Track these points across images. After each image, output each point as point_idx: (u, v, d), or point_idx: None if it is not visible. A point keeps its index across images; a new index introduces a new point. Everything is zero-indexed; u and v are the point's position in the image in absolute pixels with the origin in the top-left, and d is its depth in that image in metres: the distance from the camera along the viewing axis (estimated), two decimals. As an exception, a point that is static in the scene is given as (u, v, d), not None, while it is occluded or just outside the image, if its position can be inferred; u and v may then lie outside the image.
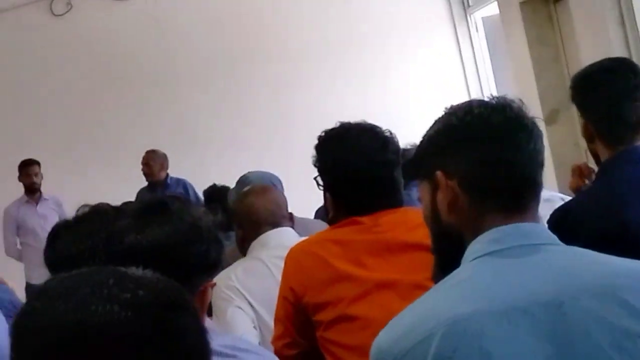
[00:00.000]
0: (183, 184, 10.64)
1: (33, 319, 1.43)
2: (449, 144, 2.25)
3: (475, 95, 11.90)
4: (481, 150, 2.20)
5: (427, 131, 2.33)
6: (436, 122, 2.32)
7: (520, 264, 2.11)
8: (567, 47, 10.02)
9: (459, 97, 11.69)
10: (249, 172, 6.45)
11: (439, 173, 2.22)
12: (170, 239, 2.17)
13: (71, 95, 11.86)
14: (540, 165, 2.22)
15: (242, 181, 5.67)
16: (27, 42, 11.81)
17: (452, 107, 2.31)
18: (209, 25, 12.01)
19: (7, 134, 11.60)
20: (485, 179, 2.19)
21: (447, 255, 2.26)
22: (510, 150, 2.17)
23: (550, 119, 9.75)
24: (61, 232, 3.50)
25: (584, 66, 3.69)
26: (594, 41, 8.84)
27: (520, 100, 2.28)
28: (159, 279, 1.50)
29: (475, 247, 2.16)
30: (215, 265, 2.35)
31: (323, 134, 3.54)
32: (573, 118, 9.58)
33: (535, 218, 2.22)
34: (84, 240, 2.27)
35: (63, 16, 11.97)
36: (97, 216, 2.28)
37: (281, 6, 12.10)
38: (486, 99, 2.33)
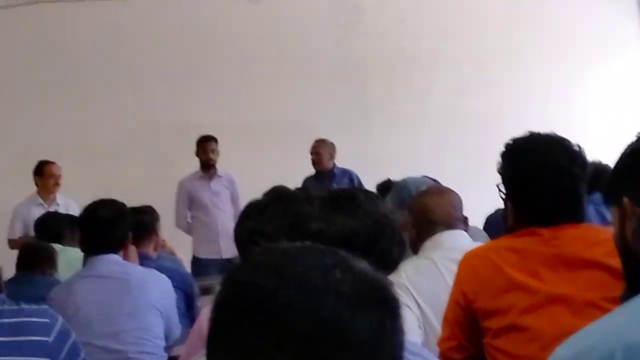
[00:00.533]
0: (349, 175, 10.62)
1: (262, 296, 1.42)
2: (637, 171, 2.23)
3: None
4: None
5: (619, 155, 2.30)
6: (628, 146, 2.29)
7: None
8: None
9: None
10: (407, 177, 6.47)
11: (626, 200, 2.20)
12: (355, 232, 2.15)
13: (258, 78, 12.02)
14: None
15: (402, 186, 5.63)
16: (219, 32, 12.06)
17: None
18: (391, 27, 12.04)
19: (190, 114, 11.81)
20: None
21: (636, 281, 2.23)
22: None
23: None
24: (252, 212, 3.58)
25: None
26: None
27: None
28: (373, 276, 1.47)
29: None
30: (396, 264, 2.35)
31: (511, 142, 3.51)
32: None
33: None
34: (273, 221, 2.28)
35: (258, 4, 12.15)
36: (287, 199, 2.28)
37: (466, 10, 12.04)
38: None
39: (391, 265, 2.32)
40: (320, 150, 10.77)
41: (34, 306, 3.81)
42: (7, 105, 11.82)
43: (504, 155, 3.51)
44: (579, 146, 3.49)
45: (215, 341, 1.47)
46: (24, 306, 3.80)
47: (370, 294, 1.43)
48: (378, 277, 1.47)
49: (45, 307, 3.86)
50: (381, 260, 2.14)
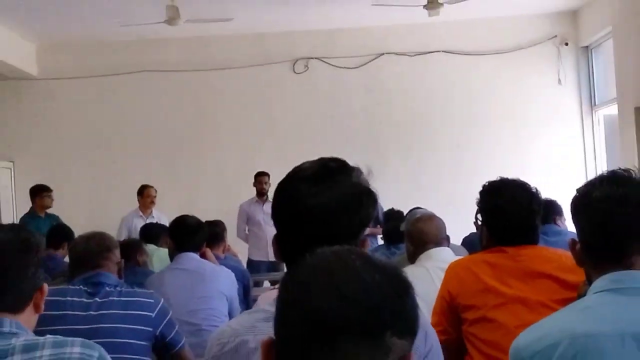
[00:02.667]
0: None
1: (308, 291, 1.40)
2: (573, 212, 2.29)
3: (591, 174, 11.69)
4: (589, 220, 2.22)
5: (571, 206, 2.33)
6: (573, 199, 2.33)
7: (632, 301, 2.08)
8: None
9: (578, 174, 11.64)
10: (416, 207, 6.45)
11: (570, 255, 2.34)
12: (338, 204, 1.98)
13: (302, 132, 12.03)
14: None
15: (412, 213, 5.91)
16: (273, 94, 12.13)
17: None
18: (404, 94, 12.08)
19: (252, 155, 11.81)
20: (595, 244, 2.20)
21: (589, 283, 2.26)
22: (619, 217, 2.15)
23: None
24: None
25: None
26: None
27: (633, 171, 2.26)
28: (388, 265, 1.44)
29: (598, 284, 2.15)
30: (375, 217, 2.16)
31: (487, 184, 3.54)
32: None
33: None
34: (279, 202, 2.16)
35: (301, 74, 12.17)
36: (287, 183, 2.15)
37: (459, 88, 12.04)
38: (601, 176, 2.32)
39: (373, 219, 2.13)
40: None
41: (144, 290, 3.82)
42: (121, 151, 11.93)
43: (482, 193, 3.54)
44: (536, 189, 3.52)
45: (279, 324, 1.44)
46: (137, 289, 3.81)
47: (385, 279, 1.40)
48: (392, 267, 1.44)
49: (151, 291, 3.87)
50: (363, 222, 2.05)
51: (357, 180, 2.04)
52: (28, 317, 2.25)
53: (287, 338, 1.41)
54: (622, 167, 2.32)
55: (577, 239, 2.29)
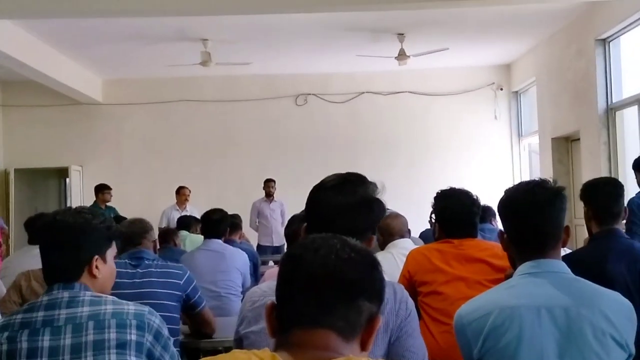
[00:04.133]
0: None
1: (300, 259, 1.40)
2: (502, 215, 2.28)
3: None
4: (511, 218, 2.23)
5: (499, 204, 2.31)
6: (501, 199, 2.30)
7: (548, 282, 2.08)
8: (575, 167, 9.77)
9: (507, 186, 11.59)
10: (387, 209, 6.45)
11: (501, 232, 2.28)
12: (356, 207, 2.01)
13: (302, 149, 12.00)
14: (555, 222, 2.16)
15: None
16: (281, 120, 12.13)
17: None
18: (377, 124, 12.07)
19: (264, 165, 11.81)
20: (516, 235, 2.20)
21: (513, 267, 2.25)
22: (531, 217, 2.15)
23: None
24: (295, 221, 3.58)
25: (584, 180, 3.64)
26: (591, 166, 8.60)
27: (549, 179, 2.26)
28: (362, 247, 1.43)
29: (522, 269, 2.15)
30: (379, 222, 2.15)
31: (440, 191, 3.53)
32: (570, 207, 9.32)
33: (557, 256, 2.18)
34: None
35: (302, 106, 12.16)
36: (318, 190, 2.13)
37: (418, 115, 12.05)
38: (521, 182, 2.32)
39: (377, 222, 2.14)
40: None
41: (175, 264, 3.81)
42: (165, 160, 11.92)
43: (435, 197, 3.53)
44: (476, 196, 3.50)
45: (279, 286, 1.43)
46: (169, 263, 3.79)
47: (359, 257, 1.40)
48: (364, 248, 1.44)
49: (180, 264, 3.85)
50: (371, 225, 2.08)
51: (371, 192, 2.06)
52: (89, 281, 2.21)
53: (284, 296, 1.40)
54: (541, 177, 2.32)
55: (503, 231, 2.29)
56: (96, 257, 2.23)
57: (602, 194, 3.28)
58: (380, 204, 2.07)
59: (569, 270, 2.13)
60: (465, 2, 7.24)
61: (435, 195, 3.54)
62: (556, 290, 2.05)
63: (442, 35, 9.62)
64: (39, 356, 2.06)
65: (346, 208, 1.99)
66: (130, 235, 3.79)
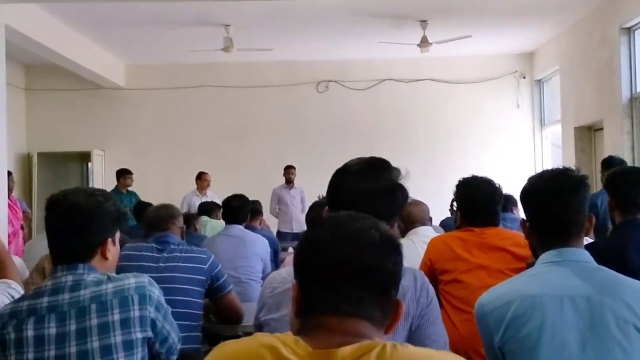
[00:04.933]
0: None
1: (327, 226, 1.39)
2: (525, 205, 2.25)
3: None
4: (534, 206, 2.21)
5: (521, 193, 2.29)
6: (525, 186, 2.29)
7: (570, 271, 2.06)
8: (597, 157, 9.67)
9: (529, 175, 11.52)
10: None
11: (522, 235, 2.30)
12: (379, 192, 2.00)
13: (322, 136, 11.98)
14: (578, 211, 2.15)
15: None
16: (302, 107, 12.11)
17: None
18: (398, 111, 12.02)
19: (284, 152, 11.81)
20: (539, 224, 2.18)
21: (535, 255, 2.24)
22: (554, 205, 2.13)
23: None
24: (315, 208, 3.57)
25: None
26: (613, 154, 8.49)
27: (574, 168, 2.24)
28: (388, 231, 1.41)
29: (544, 257, 2.14)
30: (402, 208, 2.12)
31: (462, 179, 3.51)
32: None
33: (580, 245, 2.16)
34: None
35: (322, 93, 12.13)
36: (341, 173, 2.11)
37: (440, 103, 11.98)
38: (549, 170, 2.30)
39: (401, 209, 2.11)
40: None
41: (199, 249, 3.82)
42: (187, 145, 11.96)
43: (457, 186, 3.52)
44: (499, 184, 3.48)
45: (297, 268, 1.41)
46: (194, 247, 3.80)
47: (391, 244, 1.38)
48: (392, 233, 1.41)
49: (205, 249, 3.86)
50: (397, 208, 2.05)
51: (395, 177, 2.04)
52: (100, 263, 2.20)
53: (303, 282, 1.38)
54: (564, 165, 2.31)
55: (525, 219, 2.28)
56: (109, 239, 2.22)
57: (625, 183, 3.24)
58: (403, 191, 2.05)
59: (592, 259, 2.12)
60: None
61: (457, 183, 3.53)
62: (578, 279, 2.03)
63: (465, 23, 9.55)
64: (46, 344, 2.05)
65: (369, 193, 1.97)
66: (157, 220, 3.81)
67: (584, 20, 9.53)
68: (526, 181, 2.27)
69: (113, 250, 2.24)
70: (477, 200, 3.38)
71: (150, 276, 3.17)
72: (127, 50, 11.07)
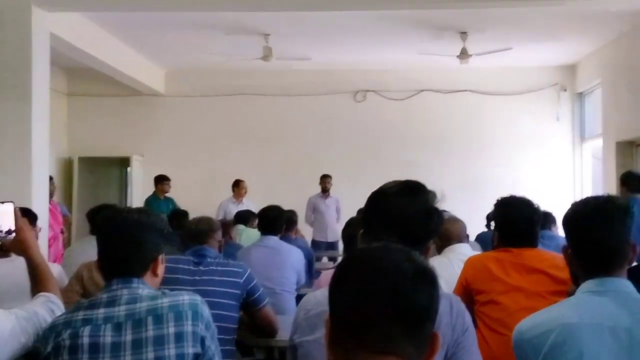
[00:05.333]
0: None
1: (360, 258, 1.38)
2: (569, 234, 2.20)
3: (578, 192, 11.48)
4: (577, 233, 2.16)
5: (565, 219, 2.24)
6: (571, 212, 2.23)
7: (612, 301, 2.02)
8: (639, 173, 9.52)
9: (568, 190, 11.42)
10: (443, 210, 6.34)
11: (566, 247, 2.21)
12: (415, 214, 1.98)
13: (358, 146, 11.97)
14: (623, 239, 2.11)
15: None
16: (338, 116, 12.12)
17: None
18: (435, 122, 11.97)
19: (320, 161, 11.84)
20: (582, 251, 2.13)
21: (575, 283, 2.20)
22: (598, 232, 2.09)
23: None
24: (352, 223, 3.57)
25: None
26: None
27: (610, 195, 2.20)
28: (423, 264, 1.36)
29: (585, 286, 2.10)
30: (437, 231, 2.10)
31: (500, 199, 3.47)
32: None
33: (622, 274, 2.12)
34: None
35: (360, 103, 12.13)
36: (378, 195, 2.13)
37: (479, 114, 11.90)
38: (589, 197, 2.25)
39: (435, 233, 2.10)
40: None
41: (236, 262, 3.83)
42: (224, 152, 12.05)
43: (496, 205, 3.46)
44: (537, 205, 3.43)
45: (330, 301, 1.37)
46: (230, 261, 3.82)
47: (425, 277, 1.33)
48: (427, 265, 1.36)
49: (242, 263, 3.86)
50: (431, 233, 2.04)
51: (431, 200, 2.04)
52: (150, 279, 2.29)
53: (335, 315, 1.35)
54: (607, 192, 2.27)
55: (567, 246, 2.23)
56: (160, 256, 2.32)
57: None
58: (439, 214, 2.04)
59: (635, 289, 2.07)
60: (530, 2, 7.11)
61: (495, 202, 3.48)
62: (620, 309, 1.99)
63: (505, 34, 9.47)
64: (101, 351, 2.11)
65: (404, 216, 1.97)
66: (196, 233, 3.84)
67: (628, 34, 9.38)
68: (570, 207, 2.24)
69: (162, 267, 2.34)
70: (515, 220, 3.33)
71: (186, 289, 3.20)
72: (167, 57, 11.20)
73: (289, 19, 8.62)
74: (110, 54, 9.65)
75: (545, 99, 11.83)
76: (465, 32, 9.33)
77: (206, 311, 2.27)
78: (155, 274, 2.30)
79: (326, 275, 3.01)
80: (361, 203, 7.37)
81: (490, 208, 5.43)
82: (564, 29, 9.32)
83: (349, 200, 10.46)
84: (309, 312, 2.04)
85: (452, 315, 1.96)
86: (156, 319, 2.15)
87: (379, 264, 1.33)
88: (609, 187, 9.97)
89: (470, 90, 11.88)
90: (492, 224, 3.54)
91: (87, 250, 4.68)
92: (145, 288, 2.23)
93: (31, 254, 2.49)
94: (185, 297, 2.23)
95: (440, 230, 2.14)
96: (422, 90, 11.93)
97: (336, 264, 9.17)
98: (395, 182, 2.10)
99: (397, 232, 1.94)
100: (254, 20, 8.80)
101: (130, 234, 2.25)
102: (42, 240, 6.54)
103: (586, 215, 2.14)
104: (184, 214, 7.91)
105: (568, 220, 2.22)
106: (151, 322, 2.14)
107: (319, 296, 2.05)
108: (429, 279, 1.35)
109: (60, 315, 2.26)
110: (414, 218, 1.97)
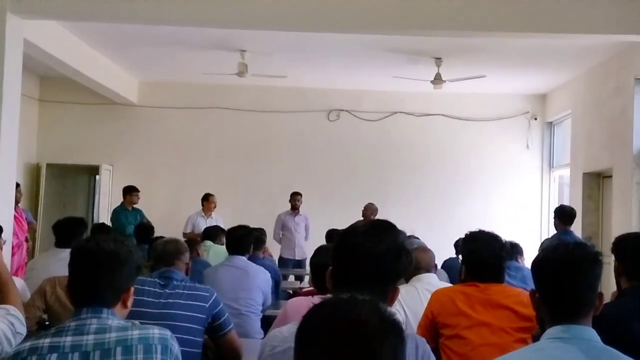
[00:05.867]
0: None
1: (326, 313, 1.37)
2: (538, 280, 2.22)
3: (545, 220, 11.60)
4: (546, 279, 2.18)
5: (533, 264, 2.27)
6: (539, 259, 2.26)
7: (577, 349, 2.04)
8: (605, 205, 9.65)
9: (535, 219, 11.54)
10: (414, 237, 6.33)
11: (533, 292, 2.24)
12: (385, 253, 1.99)
13: (331, 165, 11.99)
14: (591, 288, 2.13)
15: (409, 242, 5.55)
16: (311, 134, 12.13)
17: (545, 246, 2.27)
18: (408, 145, 12.03)
19: (291, 177, 11.81)
20: (550, 297, 2.15)
21: (540, 327, 2.21)
22: (566, 280, 2.12)
23: (586, 240, 9.44)
24: (321, 252, 3.56)
25: (614, 219, 3.58)
26: (622, 205, 8.50)
27: (586, 240, 2.22)
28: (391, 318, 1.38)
29: (551, 332, 2.12)
30: (406, 272, 2.11)
31: (469, 233, 3.50)
32: (598, 245, 9.29)
33: (588, 322, 2.13)
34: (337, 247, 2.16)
35: (333, 122, 12.16)
36: (348, 234, 2.14)
37: (450, 139, 12.00)
38: (560, 243, 2.27)
39: (404, 273, 2.11)
40: (368, 208, 10.52)
41: (202, 286, 3.78)
42: (194, 165, 11.98)
43: (464, 240, 3.51)
44: (505, 240, 3.47)
45: (300, 339, 1.38)
46: (197, 284, 3.76)
47: (392, 330, 1.35)
48: (393, 317, 1.38)
49: (208, 287, 3.80)
50: (400, 273, 2.06)
51: (400, 240, 2.05)
52: (120, 310, 2.26)
53: None
54: (579, 237, 2.30)
55: (535, 290, 2.25)
56: (132, 287, 2.30)
57: (634, 249, 3.22)
58: (408, 254, 2.06)
59: (599, 338, 2.09)
60: (504, 34, 7.20)
61: (464, 236, 3.51)
62: (584, 358, 2.01)
63: (479, 62, 9.58)
64: None
65: (372, 253, 1.98)
66: (163, 254, 3.80)
67: (599, 67, 9.54)
68: (539, 251, 2.26)
69: (132, 299, 2.32)
70: (483, 256, 3.36)
71: (151, 311, 3.15)
72: (142, 68, 11.13)
73: (266, 36, 8.63)
74: (84, 62, 9.56)
75: (516, 127, 11.98)
76: (439, 58, 9.42)
77: (176, 347, 2.25)
78: (125, 305, 2.28)
79: (293, 306, 2.99)
80: (331, 222, 7.43)
81: (459, 233, 5.46)
82: (537, 59, 9.46)
83: (319, 219, 10.49)
84: (274, 348, 2.03)
85: (417, 357, 1.98)
86: (125, 349, 2.13)
87: (345, 317, 1.34)
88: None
89: (443, 115, 11.97)
90: (460, 251, 3.55)
91: (51, 265, 4.63)
92: (114, 319, 2.21)
93: None
94: (156, 331, 2.22)
95: (409, 268, 2.15)
96: (396, 112, 12.00)
97: (302, 283, 9.05)
98: (366, 221, 2.12)
99: (366, 271, 1.96)
100: (231, 37, 8.79)
101: (106, 266, 2.22)
102: (6, 248, 6.43)
103: (555, 262, 2.16)
104: (150, 227, 7.85)
105: (537, 265, 2.24)
106: (120, 353, 2.12)
107: (285, 332, 2.04)
108: (396, 332, 1.37)
109: (25, 341, 2.22)
110: (382, 258, 1.98)
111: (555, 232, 7.73)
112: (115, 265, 2.23)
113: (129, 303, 2.29)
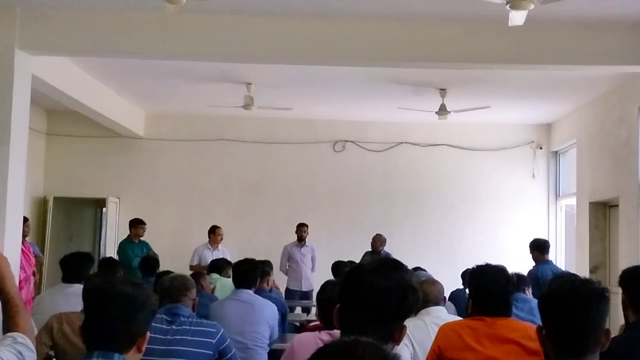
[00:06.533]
0: (387, 254, 10.05)
1: (329, 354, 1.37)
2: (545, 317, 2.23)
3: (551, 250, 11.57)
4: (551, 315, 2.18)
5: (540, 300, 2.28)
6: (546, 296, 2.26)
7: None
8: (612, 234, 9.61)
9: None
10: (418, 267, 6.32)
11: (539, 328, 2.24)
12: (392, 291, 1.98)
13: (337, 195, 12.00)
14: (597, 324, 2.12)
15: (417, 274, 5.62)
16: (317, 165, 12.17)
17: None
18: (414, 175, 12.05)
19: (297, 209, 11.83)
20: (556, 333, 2.14)
21: None
22: (573, 316, 2.11)
23: (593, 270, 9.39)
24: (328, 286, 3.57)
25: (621, 249, 3.57)
26: (629, 235, 8.47)
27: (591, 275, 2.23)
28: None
29: None
30: (412, 311, 2.08)
31: (475, 267, 3.49)
32: (605, 275, 9.25)
33: (595, 358, 2.12)
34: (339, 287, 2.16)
35: (339, 153, 12.20)
36: (356, 272, 2.14)
37: (455, 169, 12.01)
38: (571, 279, 2.26)
39: (412, 311, 2.09)
40: (377, 239, 10.62)
41: (209, 322, 3.77)
42: (201, 198, 12.01)
43: (470, 274, 3.50)
44: (512, 273, 3.46)
45: None
46: (204, 321, 3.76)
47: None
48: (397, 359, 1.37)
49: (214, 322, 3.80)
50: (406, 312, 2.03)
51: (407, 278, 2.05)
52: (133, 355, 2.18)
53: None
54: (584, 275, 2.29)
55: (542, 326, 2.24)
56: (147, 332, 2.21)
57: (640, 282, 3.22)
58: (415, 293, 2.04)
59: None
60: (508, 65, 7.26)
61: (470, 270, 3.50)
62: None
63: (484, 93, 9.63)
64: None
65: (379, 291, 1.97)
66: (170, 290, 3.79)
67: (603, 97, 9.58)
68: (546, 286, 2.26)
69: (145, 344, 2.22)
70: (490, 291, 3.34)
71: (158, 348, 3.14)
72: (148, 101, 11.21)
73: (272, 69, 8.70)
74: (91, 95, 9.63)
75: (522, 156, 12.00)
76: (444, 89, 9.47)
77: None
78: (139, 350, 2.19)
79: (300, 342, 2.97)
80: (337, 252, 7.44)
81: (466, 264, 5.44)
82: (541, 90, 9.51)
83: (326, 250, 10.50)
84: None
85: None
86: None
87: None
88: (581, 246, 10.07)
89: (448, 145, 12.01)
90: (467, 285, 3.54)
91: (58, 301, 4.63)
92: None
93: (5, 285, 2.38)
94: None
95: (417, 306, 2.15)
96: (401, 143, 12.04)
97: (309, 315, 8.99)
98: (372, 259, 2.12)
99: (373, 309, 1.96)
100: (236, 69, 8.86)
101: (122, 310, 2.14)
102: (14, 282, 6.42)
103: (562, 298, 2.16)
104: (155, 260, 7.85)
105: (543, 300, 2.24)
106: None
107: None
108: None
109: None
110: (389, 297, 1.98)
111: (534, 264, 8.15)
112: (133, 310, 2.14)
113: (143, 347, 2.19)
